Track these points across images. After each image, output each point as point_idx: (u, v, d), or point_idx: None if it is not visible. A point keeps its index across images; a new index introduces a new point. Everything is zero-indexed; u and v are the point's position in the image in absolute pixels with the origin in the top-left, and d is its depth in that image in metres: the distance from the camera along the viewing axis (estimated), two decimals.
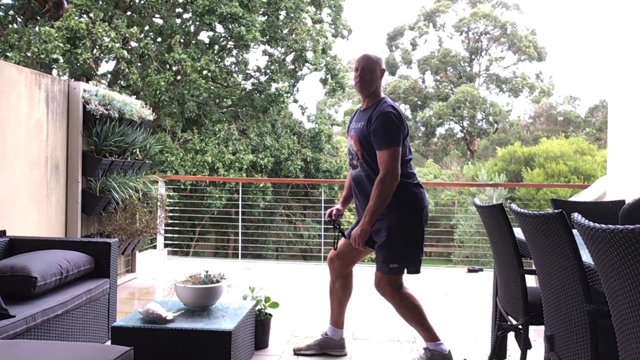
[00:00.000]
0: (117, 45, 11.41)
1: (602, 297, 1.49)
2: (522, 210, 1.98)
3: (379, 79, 2.86)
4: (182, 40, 13.00)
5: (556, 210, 1.75)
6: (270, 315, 3.26)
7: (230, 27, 12.89)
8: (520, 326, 2.31)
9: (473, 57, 28.79)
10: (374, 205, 2.70)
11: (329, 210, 3.09)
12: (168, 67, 12.91)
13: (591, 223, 1.35)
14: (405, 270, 2.79)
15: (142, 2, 13.12)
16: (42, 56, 10.44)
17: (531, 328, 2.27)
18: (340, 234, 3.05)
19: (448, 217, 14.70)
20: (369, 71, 2.82)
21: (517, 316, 2.34)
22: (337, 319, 3.12)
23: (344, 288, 3.08)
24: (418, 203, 2.83)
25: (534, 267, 2.16)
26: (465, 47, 28.79)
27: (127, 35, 11.71)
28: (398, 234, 2.77)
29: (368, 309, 4.05)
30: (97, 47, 11.35)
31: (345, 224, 3.31)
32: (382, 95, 2.88)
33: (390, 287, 2.79)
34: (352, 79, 2.92)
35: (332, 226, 3.07)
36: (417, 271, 2.80)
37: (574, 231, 1.66)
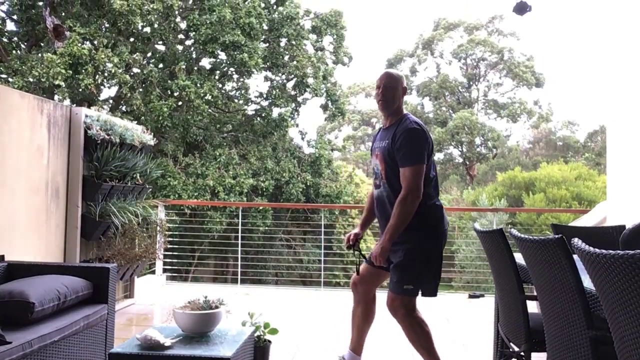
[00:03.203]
0: (120, 70, 11.53)
1: (604, 323, 1.48)
2: (522, 235, 1.98)
3: (401, 97, 2.83)
4: (184, 67, 13.17)
5: (556, 236, 1.75)
6: (270, 341, 3.22)
7: (232, 54, 13.07)
8: (522, 353, 2.28)
9: (471, 83, 29.11)
10: (395, 223, 2.63)
11: (347, 235, 3.02)
12: (170, 93, 13.03)
13: (591, 248, 1.35)
14: (420, 293, 2.72)
15: (146, 29, 13.31)
16: (44, 80, 10.52)
17: (533, 355, 2.25)
18: (361, 258, 2.98)
19: (449, 243, 14.58)
20: (391, 89, 2.80)
21: (519, 343, 2.32)
22: (357, 345, 3.06)
23: (366, 314, 3.01)
24: (439, 225, 2.76)
25: (535, 293, 2.14)
26: (464, 73, 29.14)
27: (130, 61, 11.85)
28: (415, 255, 2.69)
29: (370, 334, 3.99)
30: (100, 73, 11.47)
31: (364, 248, 3.28)
32: (405, 112, 2.85)
33: (403, 308, 2.70)
34: (374, 96, 2.88)
35: (352, 251, 3.00)
36: (433, 294, 2.72)
37: (575, 256, 1.65)
